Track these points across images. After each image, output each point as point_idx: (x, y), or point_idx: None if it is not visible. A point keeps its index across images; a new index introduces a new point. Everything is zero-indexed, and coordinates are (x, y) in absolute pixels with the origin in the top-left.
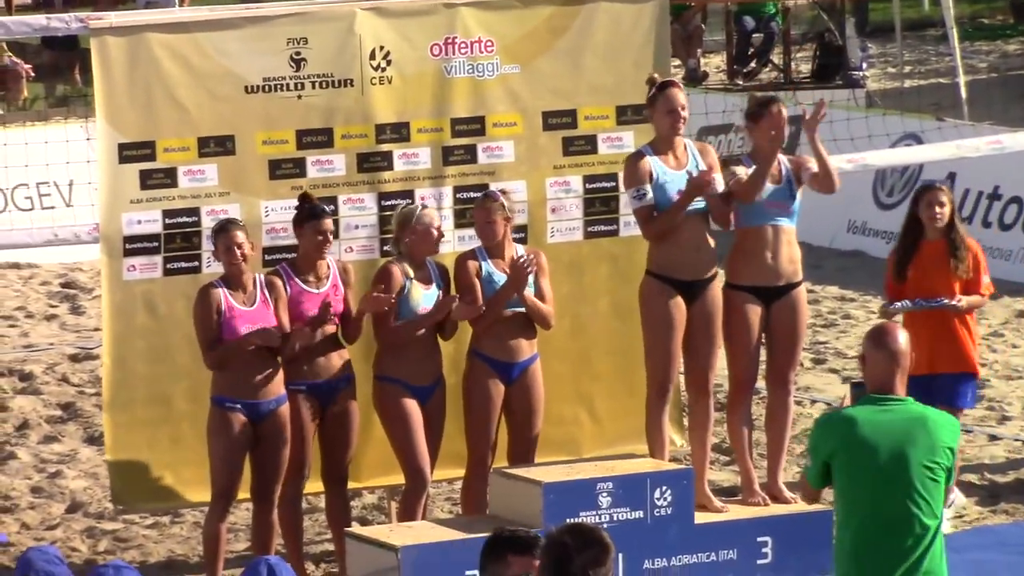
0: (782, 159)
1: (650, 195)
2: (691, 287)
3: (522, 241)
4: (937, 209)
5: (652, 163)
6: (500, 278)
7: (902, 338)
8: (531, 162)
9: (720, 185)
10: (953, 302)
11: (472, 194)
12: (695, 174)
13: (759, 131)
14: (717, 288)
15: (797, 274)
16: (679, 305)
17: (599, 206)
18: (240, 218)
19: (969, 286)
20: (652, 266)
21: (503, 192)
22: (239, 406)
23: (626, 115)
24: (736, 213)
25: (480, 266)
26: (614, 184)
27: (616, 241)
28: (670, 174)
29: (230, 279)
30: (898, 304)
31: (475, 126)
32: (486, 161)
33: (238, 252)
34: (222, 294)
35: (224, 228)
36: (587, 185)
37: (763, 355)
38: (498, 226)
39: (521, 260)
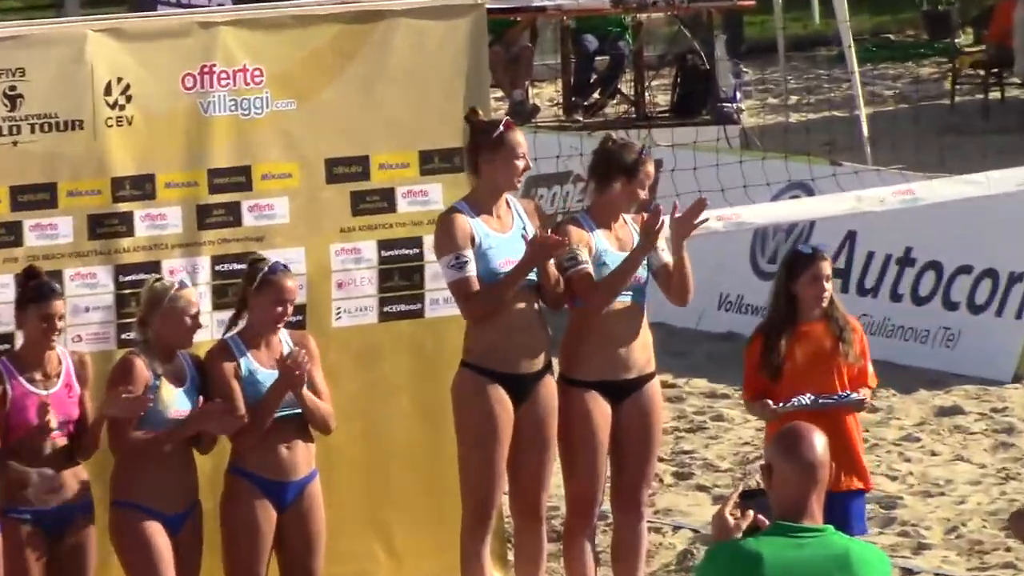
0: (626, 217)
1: (472, 264)
2: (519, 382)
3: (300, 326)
4: (824, 284)
5: (473, 224)
6: (267, 376)
7: (820, 444)
8: (311, 224)
9: (583, 256)
10: (859, 397)
11: (235, 266)
12: (529, 236)
13: (621, 194)
14: (551, 383)
15: (651, 363)
16: (504, 405)
17: (399, 280)
18: None
19: (856, 378)
20: (469, 355)
21: (260, 260)
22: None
23: (432, 162)
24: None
25: (238, 363)
26: (418, 251)
27: (421, 324)
28: (495, 238)
29: None
30: (794, 401)
31: (239, 179)
32: (253, 223)
33: None
34: None
35: None
36: (383, 253)
37: (610, 469)
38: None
39: (292, 355)
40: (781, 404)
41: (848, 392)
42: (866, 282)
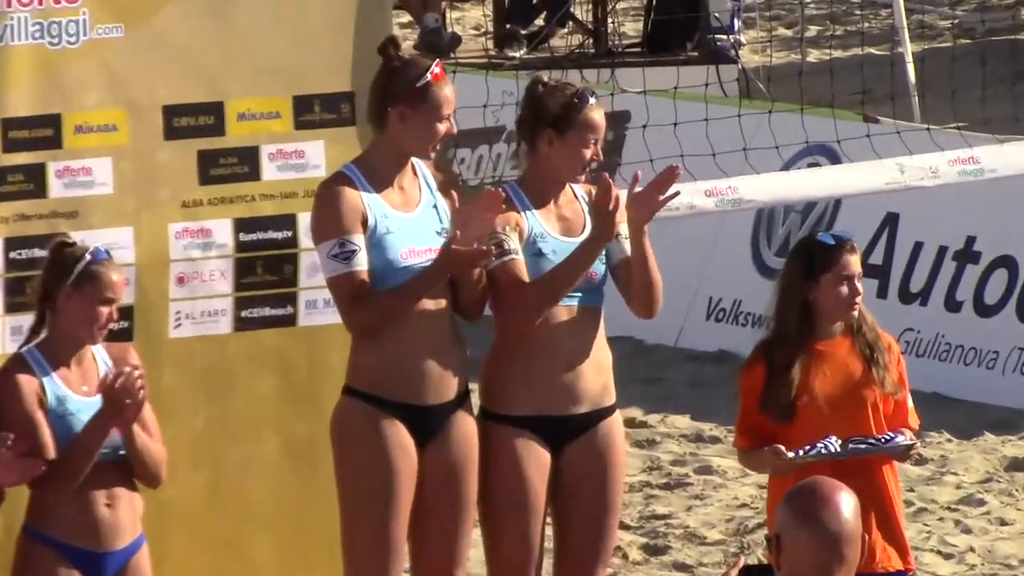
0: (575, 189)
1: (362, 254)
2: (424, 417)
3: (124, 336)
4: (855, 287)
5: (366, 199)
6: (80, 405)
7: (847, 508)
8: (143, 195)
9: (512, 243)
10: (907, 440)
11: (36, 252)
12: (444, 219)
13: (553, 155)
14: (469, 419)
15: (608, 394)
16: (404, 447)
17: (263, 274)
18: None
19: (894, 415)
20: (356, 379)
21: (68, 244)
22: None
23: (311, 112)
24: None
25: (42, 386)
26: (289, 234)
27: (293, 335)
28: (397, 218)
29: None
30: (818, 447)
31: (44, 132)
32: (63, 193)
33: None
34: None
35: None
36: (241, 236)
37: (553, 538)
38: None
39: (124, 378)
40: (797, 452)
41: (890, 434)
42: (911, 284)
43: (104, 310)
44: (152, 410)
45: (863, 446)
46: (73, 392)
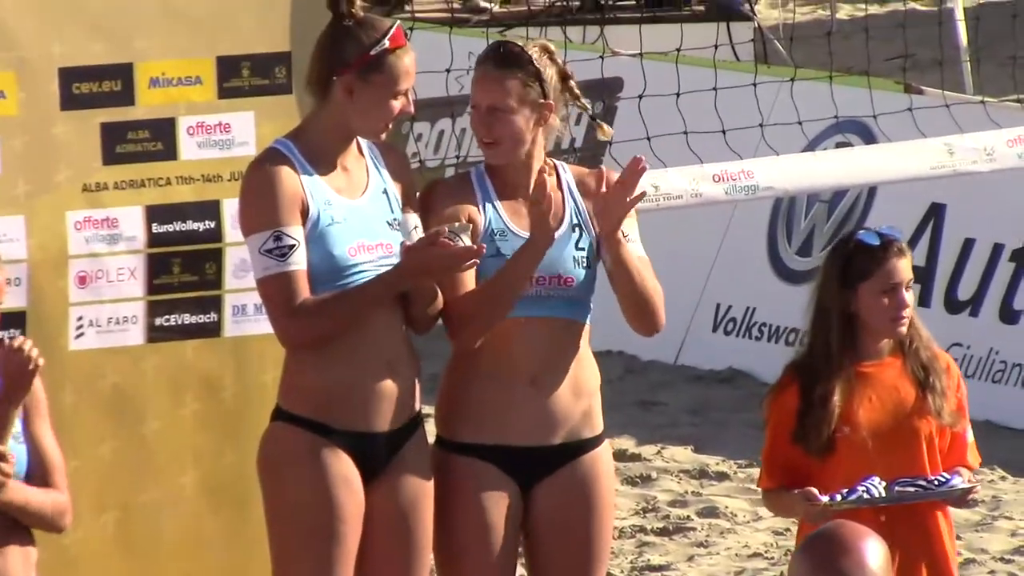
0: (562, 168)
1: (301, 249)
2: (371, 446)
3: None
4: (904, 296)
5: (307, 183)
6: None
7: (874, 558)
8: (35, 178)
9: (463, 242)
10: (965, 483)
11: None
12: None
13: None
14: (424, 448)
15: (593, 421)
16: (348, 481)
17: (181, 273)
18: None
19: (951, 451)
20: (290, 401)
21: None
22: None
23: (238, 76)
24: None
25: None
26: (213, 225)
27: (218, 348)
28: (343, 206)
29: None
30: (858, 491)
31: None
32: None
33: None
34: None
35: None
36: (155, 227)
37: None
38: None
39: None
40: (834, 497)
41: (945, 476)
42: (959, 290)
43: None
44: (54, 436)
45: (912, 489)
46: None
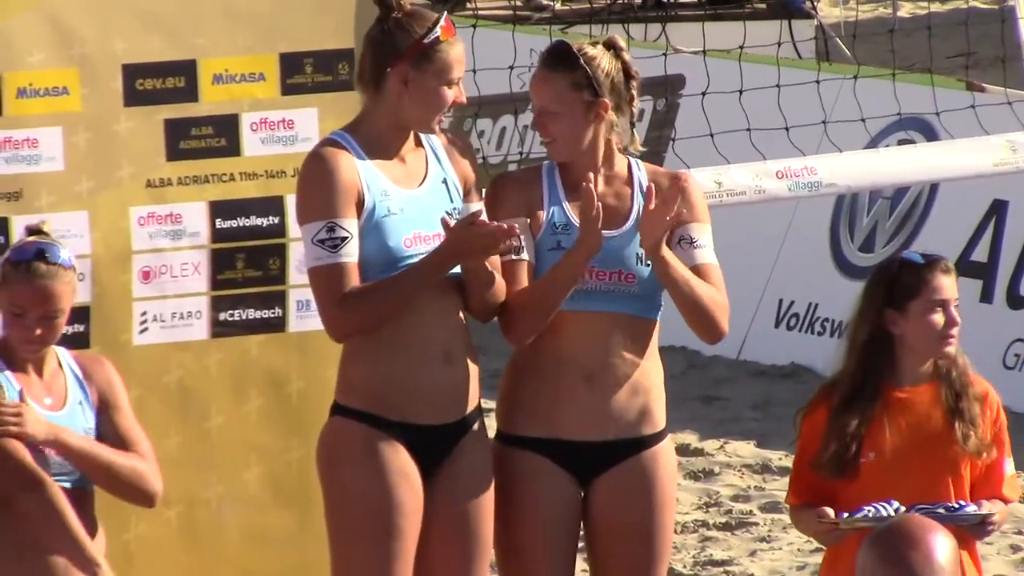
0: (635, 165)
1: (354, 242)
2: (429, 439)
3: (79, 341)
4: (952, 316)
5: (364, 173)
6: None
7: (942, 550)
8: (99, 173)
9: (524, 236)
10: (981, 511)
11: None
12: (459, 203)
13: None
14: (484, 444)
15: (655, 417)
16: (406, 475)
17: (245, 269)
18: None
19: (984, 482)
20: (348, 396)
21: (40, 232)
22: None
23: (301, 73)
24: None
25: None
26: (277, 221)
27: (282, 343)
28: (401, 196)
29: None
30: (864, 512)
31: None
32: (3, 170)
33: None
34: None
35: None
36: (219, 223)
37: None
38: (63, 322)
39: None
40: (841, 515)
41: (960, 503)
42: (1022, 286)
43: (18, 318)
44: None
45: (921, 514)
46: (35, 403)
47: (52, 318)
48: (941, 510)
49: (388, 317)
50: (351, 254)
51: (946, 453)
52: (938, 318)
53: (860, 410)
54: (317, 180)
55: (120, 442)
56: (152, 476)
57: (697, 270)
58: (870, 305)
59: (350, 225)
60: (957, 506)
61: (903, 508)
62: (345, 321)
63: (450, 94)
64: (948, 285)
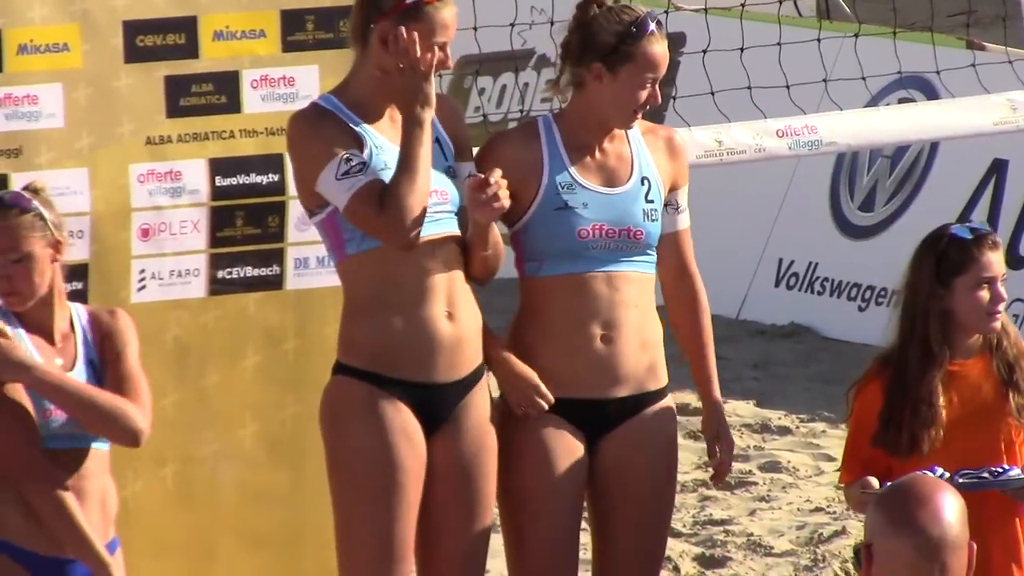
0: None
1: (371, 165)
2: (433, 397)
3: (77, 298)
4: (999, 289)
5: (357, 128)
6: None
7: (950, 512)
8: (99, 130)
9: (503, 197)
10: (1019, 475)
11: None
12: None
13: (602, 93)
14: (486, 400)
15: (657, 375)
16: (408, 434)
17: (243, 225)
18: None
19: None
20: (350, 354)
21: (34, 191)
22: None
23: (303, 29)
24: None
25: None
26: (276, 178)
27: (280, 301)
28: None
29: None
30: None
31: None
32: (2, 127)
33: None
34: None
35: None
36: (218, 180)
37: (590, 546)
38: (34, 269)
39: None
40: (885, 484)
41: (1005, 467)
42: (1022, 246)
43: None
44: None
45: (973, 481)
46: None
47: (15, 262)
48: (986, 474)
49: (422, 197)
50: (376, 171)
51: (999, 424)
52: (984, 294)
53: (934, 386)
54: (311, 131)
55: (116, 387)
56: (136, 415)
57: (676, 236)
58: (920, 280)
59: (363, 154)
60: (1001, 470)
61: (947, 474)
62: (398, 220)
63: (431, 58)
64: (996, 261)
